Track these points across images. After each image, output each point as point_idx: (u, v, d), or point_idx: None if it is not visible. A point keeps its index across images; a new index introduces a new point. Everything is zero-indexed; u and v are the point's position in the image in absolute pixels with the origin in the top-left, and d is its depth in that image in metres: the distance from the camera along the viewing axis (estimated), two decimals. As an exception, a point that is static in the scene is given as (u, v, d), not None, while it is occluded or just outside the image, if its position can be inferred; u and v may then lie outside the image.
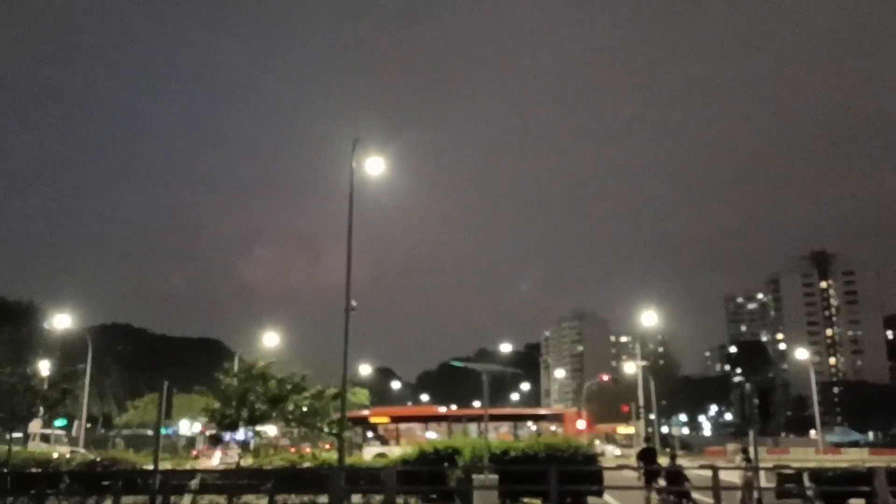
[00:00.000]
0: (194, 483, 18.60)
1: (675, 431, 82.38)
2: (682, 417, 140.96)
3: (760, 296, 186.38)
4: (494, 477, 17.01)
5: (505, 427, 39.49)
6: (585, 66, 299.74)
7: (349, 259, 19.13)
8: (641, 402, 55.89)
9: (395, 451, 22.85)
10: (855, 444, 78.67)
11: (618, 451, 60.12)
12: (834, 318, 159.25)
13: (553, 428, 39.51)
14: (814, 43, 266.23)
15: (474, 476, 17.33)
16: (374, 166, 19.62)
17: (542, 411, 47.48)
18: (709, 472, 16.95)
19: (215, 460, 33.81)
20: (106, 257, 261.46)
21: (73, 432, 52.04)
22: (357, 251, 19.44)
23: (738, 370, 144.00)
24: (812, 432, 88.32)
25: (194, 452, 46.54)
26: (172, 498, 17.53)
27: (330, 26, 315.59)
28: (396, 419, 39.54)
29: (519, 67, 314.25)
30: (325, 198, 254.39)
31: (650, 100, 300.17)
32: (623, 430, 71.28)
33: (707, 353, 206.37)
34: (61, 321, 45.53)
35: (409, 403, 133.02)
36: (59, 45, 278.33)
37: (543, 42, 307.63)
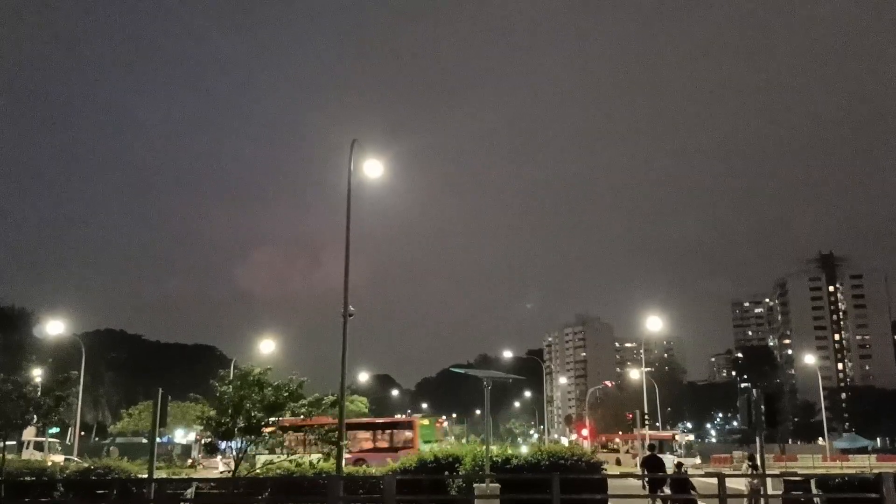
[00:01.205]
0: (190, 492, 18.34)
1: (680, 438, 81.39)
2: (688, 424, 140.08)
3: (767, 300, 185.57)
4: (496, 486, 16.70)
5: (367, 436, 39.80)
6: (590, 68, 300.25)
7: (347, 263, 18.82)
8: (646, 408, 55.31)
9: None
10: (863, 451, 77.86)
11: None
12: (842, 323, 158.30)
13: (407, 435, 38.86)
14: (821, 45, 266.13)
15: (476, 485, 17.03)
16: (373, 169, 19.30)
17: (393, 420, 47.39)
18: (714, 480, 16.57)
19: (221, 467, 33.39)
20: (99, 263, 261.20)
21: (68, 440, 51.83)
22: (355, 256, 19.13)
23: (745, 376, 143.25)
24: (820, 439, 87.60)
25: (190, 461, 46.26)
26: (168, 507, 17.26)
27: (329, 29, 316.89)
28: None
29: (522, 71, 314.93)
30: (323, 202, 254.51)
31: (656, 103, 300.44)
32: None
33: (713, 359, 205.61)
34: (54, 327, 45.27)
35: (409, 411, 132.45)
36: (53, 50, 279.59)
37: (546, 45, 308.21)
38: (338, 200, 18.84)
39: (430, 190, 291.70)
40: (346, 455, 37.59)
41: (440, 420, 61.29)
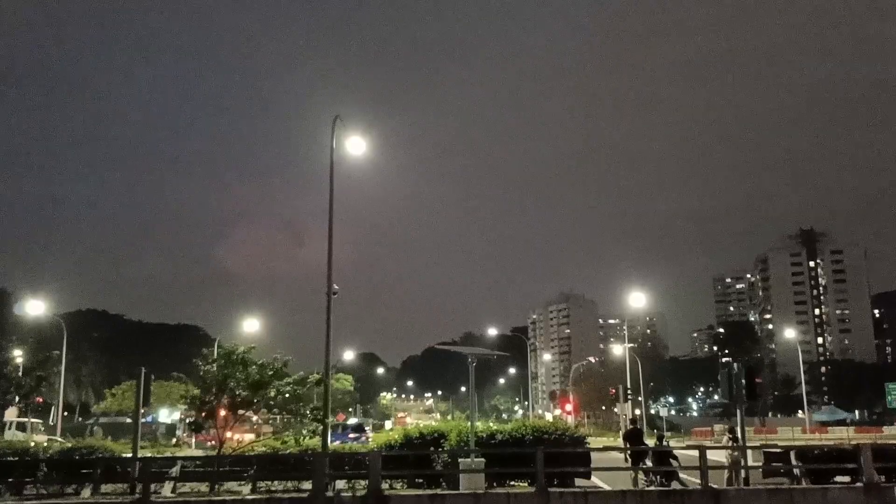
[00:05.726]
0: (175, 470, 18.29)
1: (662, 413, 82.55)
2: (670, 399, 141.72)
3: (748, 276, 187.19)
4: (481, 460, 16.82)
5: None
6: (574, 44, 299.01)
7: (330, 242, 18.71)
8: (629, 384, 55.91)
9: None
10: (842, 423, 79.30)
11: None
12: (822, 298, 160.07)
13: None
14: (804, 20, 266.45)
15: (460, 460, 17.13)
16: (356, 146, 19.13)
17: None
18: (696, 453, 16.79)
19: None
20: (80, 242, 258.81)
21: (51, 420, 51.31)
22: (340, 234, 19.04)
23: (726, 351, 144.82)
24: (799, 412, 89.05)
25: (174, 440, 46.05)
26: (153, 485, 17.18)
27: (313, 7, 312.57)
28: None
29: (507, 47, 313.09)
30: (307, 181, 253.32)
31: (638, 79, 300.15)
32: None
33: (695, 334, 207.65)
34: (35, 307, 44.49)
35: (394, 389, 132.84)
36: (34, 29, 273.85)
37: (531, 21, 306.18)
38: (323, 179, 18.72)
39: (415, 169, 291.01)
40: None
41: None
